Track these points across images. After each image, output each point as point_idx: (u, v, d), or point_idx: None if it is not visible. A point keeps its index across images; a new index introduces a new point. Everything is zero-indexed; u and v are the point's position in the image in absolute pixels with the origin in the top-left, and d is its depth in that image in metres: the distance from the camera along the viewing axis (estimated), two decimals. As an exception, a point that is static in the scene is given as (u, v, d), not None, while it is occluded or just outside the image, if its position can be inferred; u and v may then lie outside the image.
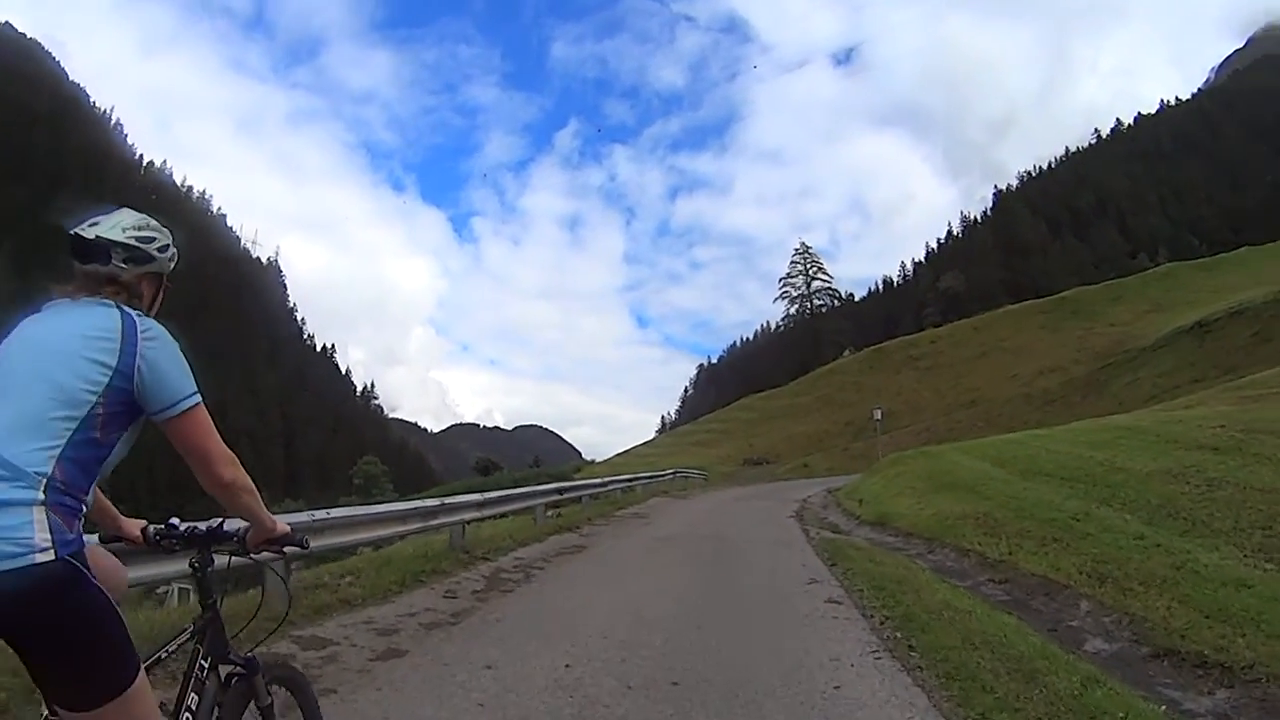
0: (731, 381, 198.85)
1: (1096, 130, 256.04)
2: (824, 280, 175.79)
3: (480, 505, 16.75)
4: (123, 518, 3.50)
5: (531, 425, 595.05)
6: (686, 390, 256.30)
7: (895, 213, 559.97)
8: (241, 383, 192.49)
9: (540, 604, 10.86)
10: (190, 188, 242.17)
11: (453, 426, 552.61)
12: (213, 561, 3.50)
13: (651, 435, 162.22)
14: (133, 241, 3.12)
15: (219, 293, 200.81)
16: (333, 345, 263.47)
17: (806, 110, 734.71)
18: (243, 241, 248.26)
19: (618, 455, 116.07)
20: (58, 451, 2.56)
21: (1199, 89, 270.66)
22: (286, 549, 3.54)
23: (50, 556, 2.38)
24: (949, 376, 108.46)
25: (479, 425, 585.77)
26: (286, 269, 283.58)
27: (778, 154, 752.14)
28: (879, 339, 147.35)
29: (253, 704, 3.55)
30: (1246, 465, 16.17)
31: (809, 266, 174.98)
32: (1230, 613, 9.70)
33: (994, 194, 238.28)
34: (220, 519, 3.47)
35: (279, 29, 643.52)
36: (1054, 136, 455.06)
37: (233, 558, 4.09)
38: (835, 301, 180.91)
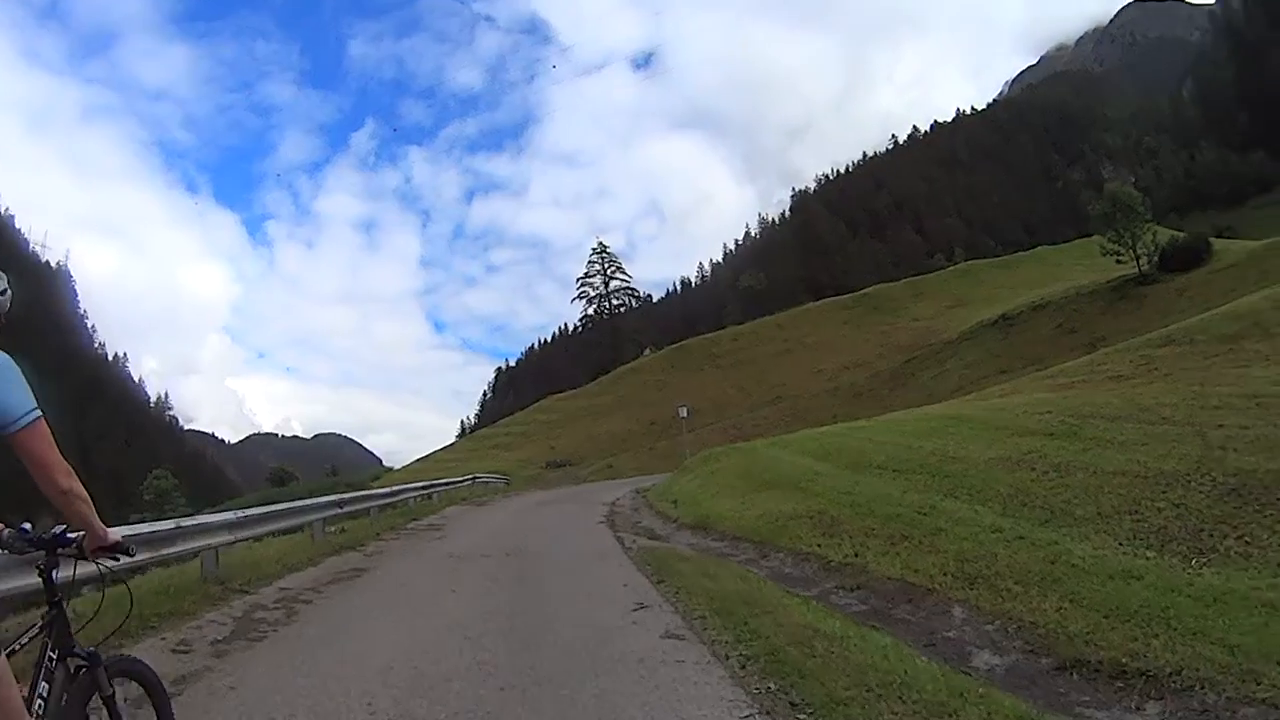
0: (531, 384, 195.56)
1: (894, 136, 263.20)
2: (622, 280, 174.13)
3: (235, 525, 14.05)
4: None
5: (331, 433, 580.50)
6: (485, 394, 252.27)
7: (692, 215, 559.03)
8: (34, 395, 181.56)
9: (294, 658, 8.30)
10: None
11: (251, 436, 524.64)
12: (58, 564, 3.77)
13: (452, 440, 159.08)
14: None
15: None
16: (125, 354, 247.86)
17: (604, 113, 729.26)
18: (31, 244, 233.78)
19: (417, 461, 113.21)
20: None
21: (993, 101, 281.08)
22: (119, 556, 3.94)
23: None
24: (753, 373, 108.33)
25: (278, 435, 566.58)
26: (77, 274, 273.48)
27: (574, 156, 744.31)
28: (680, 339, 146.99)
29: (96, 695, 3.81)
30: (1089, 449, 15.48)
31: (607, 266, 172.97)
32: (1130, 610, 8.63)
33: (793, 194, 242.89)
34: (64, 526, 3.80)
35: (74, 18, 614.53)
36: (850, 142, 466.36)
37: (77, 563, 4.00)
38: (634, 301, 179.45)
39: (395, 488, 31.02)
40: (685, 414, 58.67)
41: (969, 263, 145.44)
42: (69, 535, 3.79)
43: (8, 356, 3.41)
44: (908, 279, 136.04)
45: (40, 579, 3.76)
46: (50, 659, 3.49)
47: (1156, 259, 74.99)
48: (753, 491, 21.18)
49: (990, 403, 27.26)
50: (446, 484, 38.39)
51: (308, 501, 20.02)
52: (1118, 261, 75.86)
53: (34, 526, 3.83)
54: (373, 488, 42.25)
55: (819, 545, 14.47)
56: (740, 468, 25.86)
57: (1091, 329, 68.36)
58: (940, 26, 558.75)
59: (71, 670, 3.63)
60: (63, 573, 3.83)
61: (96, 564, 3.90)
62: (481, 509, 32.97)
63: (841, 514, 15.91)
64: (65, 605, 3.77)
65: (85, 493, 3.45)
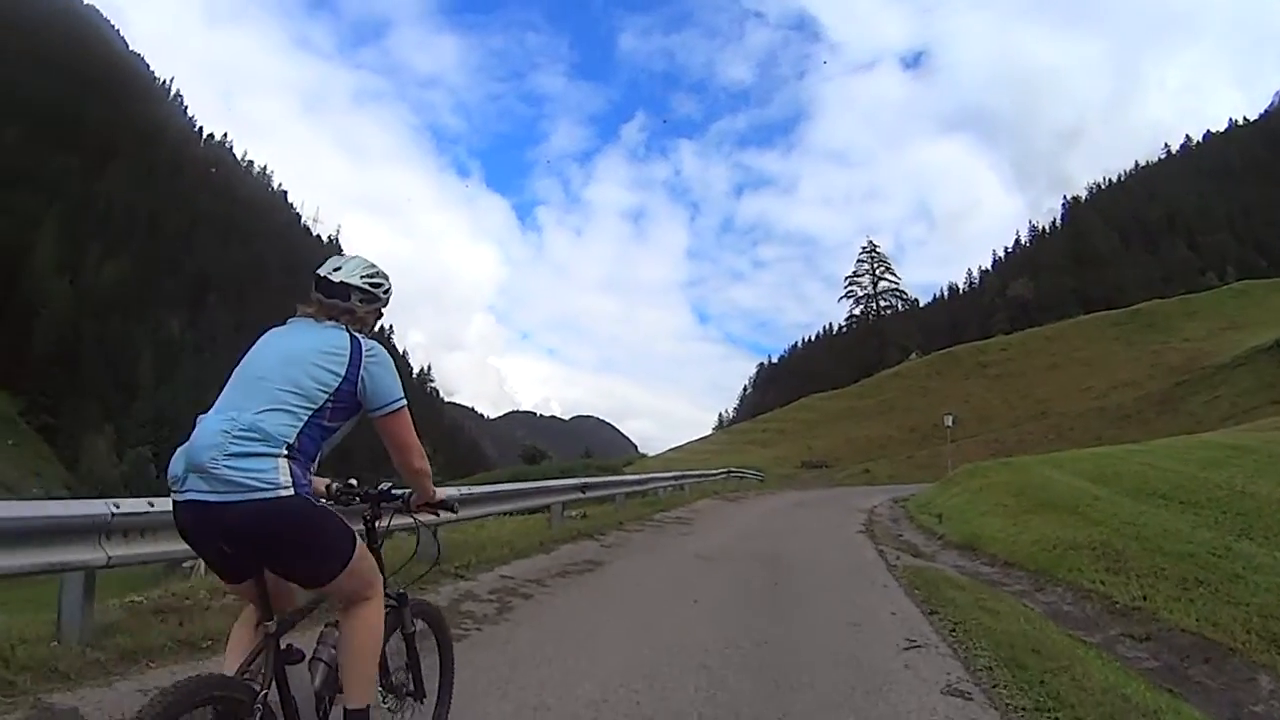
0: (791, 382, 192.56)
1: (1166, 145, 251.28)
2: (891, 281, 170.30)
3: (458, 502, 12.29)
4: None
5: (588, 416, 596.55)
6: (745, 389, 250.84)
7: (961, 220, 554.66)
8: None
9: (492, 670, 6.71)
10: (251, 162, 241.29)
11: (510, 414, 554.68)
12: (380, 516, 4.39)
13: (708, 432, 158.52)
14: (367, 286, 4.05)
15: (275, 268, 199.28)
16: (391, 327, 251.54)
17: (874, 112, 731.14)
18: (303, 219, 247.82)
19: (671, 450, 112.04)
20: (298, 428, 3.50)
21: (1265, 111, 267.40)
22: (440, 512, 4.54)
23: (291, 493, 3.32)
24: (1019, 386, 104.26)
25: (536, 414, 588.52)
26: (347, 248, 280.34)
27: (844, 155, 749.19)
28: (946, 345, 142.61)
29: (399, 630, 4.38)
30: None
31: (876, 266, 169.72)
32: None
33: (1065, 202, 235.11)
34: (390, 484, 4.50)
35: (344, 8, 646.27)
36: (1121, 150, 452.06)
37: (395, 515, 4.47)
38: (902, 304, 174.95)
39: (645, 475, 30.47)
40: (950, 423, 56.33)
41: (1245, 282, 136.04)
42: (394, 491, 4.41)
43: (383, 349, 3.91)
44: (1180, 296, 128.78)
45: (365, 527, 4.28)
46: None
47: None
48: (1025, 513, 19.49)
49: (1273, 435, 24.99)
50: (699, 475, 37.67)
51: (548, 483, 19.10)
52: None
53: (358, 482, 4.41)
54: (624, 473, 41.74)
55: (1101, 582, 13.07)
56: (1011, 485, 23.95)
57: None
58: (1212, 32, 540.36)
59: (384, 607, 3.99)
60: (382, 523, 4.36)
61: (415, 518, 4.50)
62: (734, 505, 31.87)
63: (1126, 547, 14.32)
64: (381, 551, 4.26)
65: (429, 469, 4.22)
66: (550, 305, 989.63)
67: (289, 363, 3.67)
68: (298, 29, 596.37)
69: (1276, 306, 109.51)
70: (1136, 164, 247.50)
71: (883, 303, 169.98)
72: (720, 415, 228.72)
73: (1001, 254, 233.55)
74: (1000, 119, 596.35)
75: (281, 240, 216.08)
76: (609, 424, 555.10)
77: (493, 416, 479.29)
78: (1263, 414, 49.26)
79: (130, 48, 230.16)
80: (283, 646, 3.57)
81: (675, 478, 32.48)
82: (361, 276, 4.03)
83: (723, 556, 15.29)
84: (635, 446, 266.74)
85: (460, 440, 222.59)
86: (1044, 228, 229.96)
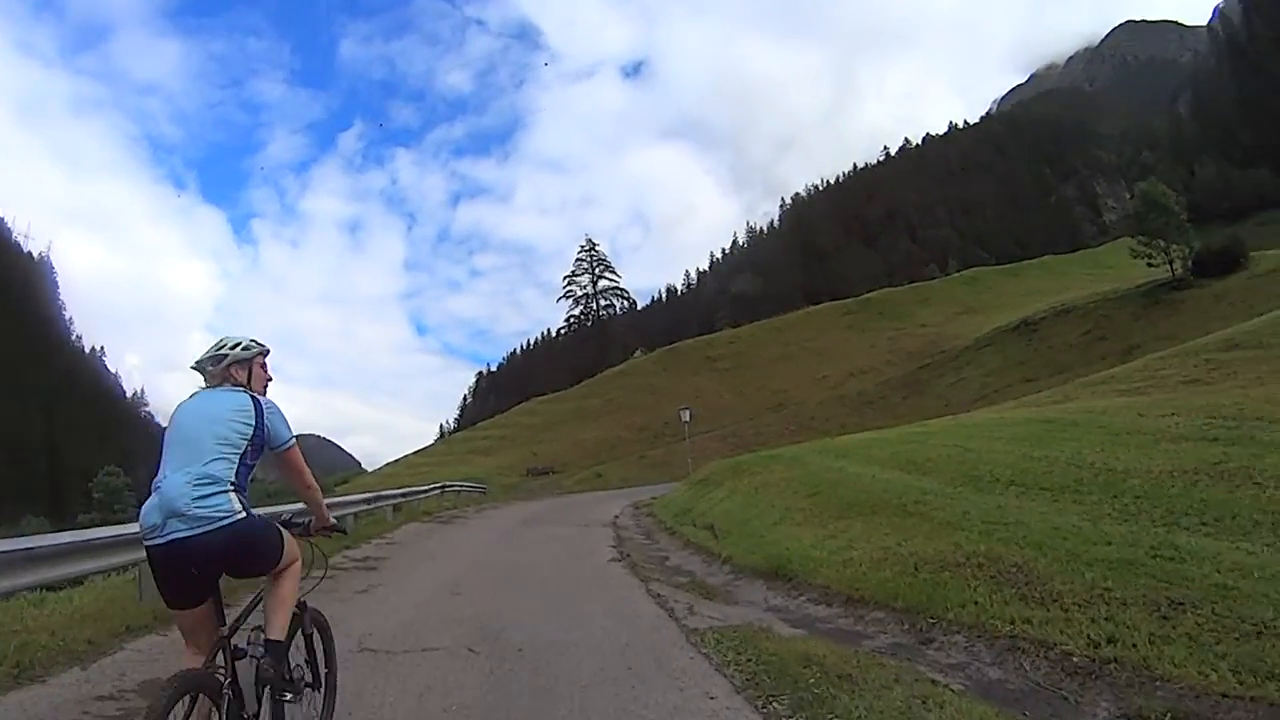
0: (512, 389, 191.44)
1: (886, 148, 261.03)
2: (611, 280, 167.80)
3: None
4: None
5: (310, 434, 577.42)
6: (466, 399, 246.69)
7: (678, 225, 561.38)
8: (3, 386, 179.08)
9: None
10: None
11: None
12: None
13: (429, 443, 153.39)
14: (241, 354, 5.16)
15: None
16: (103, 347, 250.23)
17: (592, 120, 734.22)
18: (14, 234, 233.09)
19: (388, 465, 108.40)
20: (234, 469, 4.64)
21: (985, 114, 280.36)
22: (333, 533, 6.19)
23: (238, 515, 4.50)
24: (751, 378, 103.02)
25: None
26: (60, 267, 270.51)
27: (561, 163, 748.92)
28: (671, 342, 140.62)
29: (300, 631, 5.45)
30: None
31: (595, 265, 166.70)
32: None
33: (785, 204, 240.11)
34: (292, 513, 6.32)
35: (69, 11, 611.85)
36: (837, 157, 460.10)
37: (300, 536, 5.69)
38: (623, 303, 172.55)
39: (329, 500, 24.64)
40: (688, 418, 51.92)
41: (976, 269, 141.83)
42: (297, 520, 5.83)
43: (275, 402, 5.13)
44: (912, 284, 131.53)
45: None
46: None
47: (1190, 263, 71.07)
48: (836, 518, 14.52)
49: (1071, 406, 22.91)
50: (403, 495, 30.01)
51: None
52: (1149, 265, 72.53)
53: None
54: (334, 493, 36.89)
55: (1025, 620, 8.04)
56: (795, 482, 19.07)
57: (1124, 336, 64.98)
58: (929, 43, 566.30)
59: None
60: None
61: (310, 541, 5.84)
62: (447, 529, 25.12)
63: (1027, 559, 9.57)
64: None
65: (319, 489, 5.67)
66: (267, 320, 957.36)
67: (213, 422, 4.76)
68: (20, 32, 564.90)
69: (1008, 291, 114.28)
70: (855, 166, 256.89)
71: (603, 302, 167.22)
72: (441, 426, 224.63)
73: (719, 255, 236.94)
74: (718, 127, 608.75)
75: None
76: (330, 441, 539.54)
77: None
78: (1016, 392, 51.00)
79: None
80: (231, 647, 4.66)
81: (370, 499, 25.45)
82: (235, 348, 5.15)
83: (409, 646, 8.56)
84: (359, 463, 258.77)
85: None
86: (762, 228, 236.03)
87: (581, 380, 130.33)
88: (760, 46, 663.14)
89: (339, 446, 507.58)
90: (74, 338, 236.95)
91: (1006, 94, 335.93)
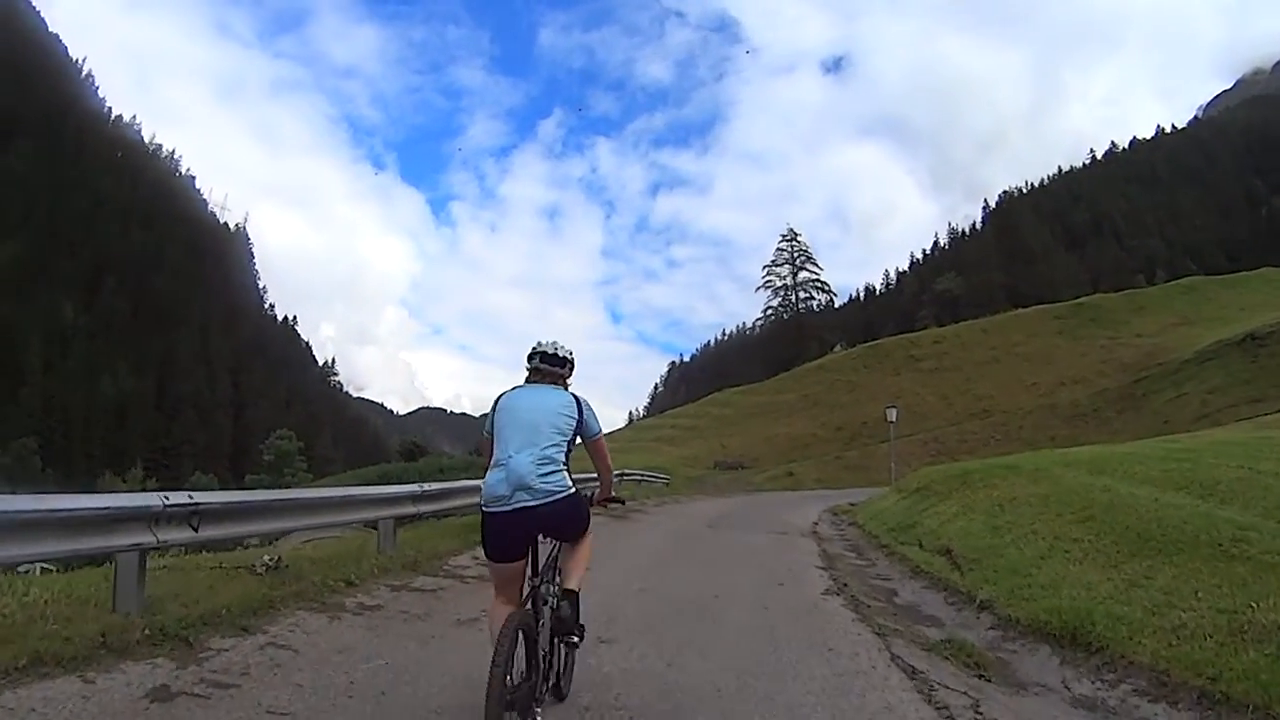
0: (704, 381, 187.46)
1: (1091, 151, 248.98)
2: (812, 271, 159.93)
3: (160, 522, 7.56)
4: None
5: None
6: (656, 387, 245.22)
7: (876, 223, 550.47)
8: (193, 347, 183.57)
9: None
10: (159, 146, 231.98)
11: (420, 409, 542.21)
12: None
13: (618, 427, 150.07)
14: (571, 357, 6.20)
15: (177, 253, 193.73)
16: (294, 317, 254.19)
17: (792, 115, 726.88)
18: (210, 205, 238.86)
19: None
20: (564, 452, 5.57)
21: (1194, 119, 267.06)
22: (612, 504, 6.80)
23: (570, 490, 5.45)
24: (956, 381, 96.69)
25: (447, 410, 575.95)
26: (257, 238, 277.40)
27: (760, 157, 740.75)
28: (871, 339, 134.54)
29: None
30: None
31: (796, 256, 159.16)
32: None
33: (994, 201, 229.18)
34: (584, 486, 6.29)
35: None
36: (1039, 160, 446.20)
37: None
38: (824, 295, 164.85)
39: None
40: (894, 418, 47.24)
41: (1192, 279, 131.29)
42: (585, 492, 6.08)
43: (589, 401, 5.95)
44: (1125, 291, 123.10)
45: None
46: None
47: None
48: (1130, 556, 10.43)
49: None
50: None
51: (355, 491, 13.08)
52: None
53: None
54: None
55: None
56: (1053, 501, 14.57)
57: None
58: (1133, 45, 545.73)
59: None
60: None
61: (602, 508, 7.07)
62: (619, 527, 20.51)
63: None
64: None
65: (613, 474, 6.60)
66: (463, 301, 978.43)
67: (549, 413, 5.66)
68: (218, 15, 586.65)
69: (1227, 303, 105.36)
70: (1060, 169, 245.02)
71: (802, 295, 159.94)
72: (630, 414, 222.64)
73: (920, 256, 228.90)
74: (918, 126, 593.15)
75: (185, 227, 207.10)
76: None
77: (403, 412, 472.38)
78: (1241, 412, 46.73)
79: (49, 29, 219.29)
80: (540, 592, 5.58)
81: None
82: (568, 352, 6.20)
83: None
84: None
85: (364, 435, 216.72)
86: (963, 230, 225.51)
87: (776, 374, 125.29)
88: (961, 45, 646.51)
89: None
90: (267, 307, 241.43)
91: (1213, 100, 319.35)
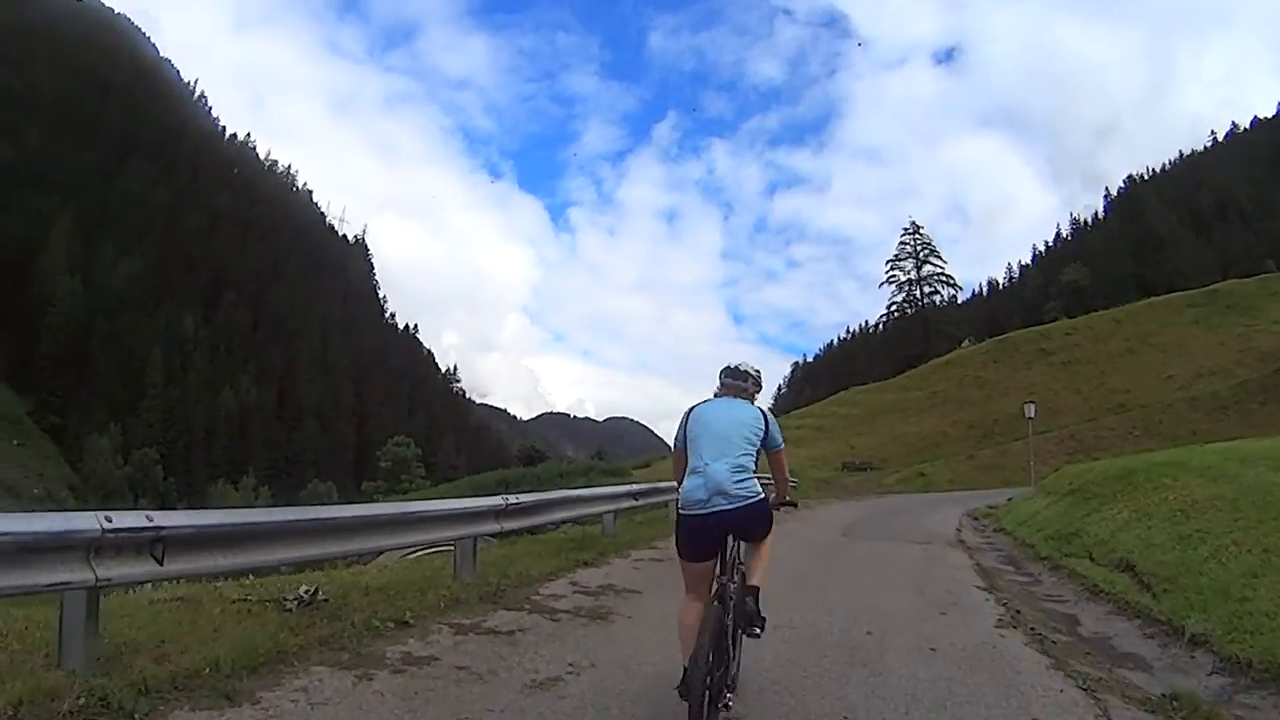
0: (828, 380, 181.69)
1: (1212, 133, 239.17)
2: (936, 265, 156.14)
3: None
4: None
5: (622, 418, 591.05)
6: (780, 388, 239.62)
7: (996, 216, 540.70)
8: (314, 358, 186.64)
9: None
10: (275, 162, 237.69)
11: (543, 415, 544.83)
12: None
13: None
14: (758, 374, 6.55)
15: (296, 266, 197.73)
16: (415, 326, 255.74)
17: (906, 109, 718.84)
18: (329, 218, 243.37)
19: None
20: (753, 461, 5.85)
21: None
22: (786, 507, 6.92)
23: (760, 496, 5.71)
24: (1090, 374, 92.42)
25: (570, 415, 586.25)
26: (377, 249, 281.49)
27: (876, 153, 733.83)
28: (999, 333, 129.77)
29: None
30: None
31: (919, 249, 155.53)
32: None
33: (1117, 188, 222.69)
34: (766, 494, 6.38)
35: (374, 12, 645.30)
36: (1157, 145, 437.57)
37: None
38: (948, 289, 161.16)
39: (593, 492, 17.72)
40: (1032, 414, 45.02)
41: None
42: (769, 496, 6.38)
43: (774, 416, 6.31)
44: (1260, 276, 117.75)
45: None
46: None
47: None
48: None
49: None
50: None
51: (435, 507, 10.91)
52: None
53: None
54: (631, 479, 36.95)
55: None
56: (1242, 505, 12.25)
57: None
58: (1246, 23, 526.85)
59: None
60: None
61: (776, 510, 6.60)
62: None
63: None
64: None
65: (789, 482, 7.00)
66: (584, 306, 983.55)
67: (740, 425, 5.94)
68: (327, 33, 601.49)
69: None
70: (1181, 153, 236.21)
71: (927, 289, 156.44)
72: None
73: (1042, 248, 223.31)
74: (1034, 115, 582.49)
75: (303, 240, 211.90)
76: (643, 425, 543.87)
77: (526, 418, 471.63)
78: None
79: (160, 53, 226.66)
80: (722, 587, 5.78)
81: (639, 493, 18.95)
82: (755, 370, 6.55)
83: None
84: (670, 447, 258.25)
85: (486, 441, 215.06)
86: (1085, 220, 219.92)
87: (903, 371, 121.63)
88: (1072, 30, 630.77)
89: (651, 430, 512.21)
90: (387, 316, 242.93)
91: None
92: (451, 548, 11.00)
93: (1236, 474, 14.84)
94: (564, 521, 15.34)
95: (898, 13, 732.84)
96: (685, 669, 5.05)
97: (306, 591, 8.01)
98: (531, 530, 14.60)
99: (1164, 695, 6.97)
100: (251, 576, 9.15)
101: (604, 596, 10.29)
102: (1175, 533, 12.47)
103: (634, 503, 18.10)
